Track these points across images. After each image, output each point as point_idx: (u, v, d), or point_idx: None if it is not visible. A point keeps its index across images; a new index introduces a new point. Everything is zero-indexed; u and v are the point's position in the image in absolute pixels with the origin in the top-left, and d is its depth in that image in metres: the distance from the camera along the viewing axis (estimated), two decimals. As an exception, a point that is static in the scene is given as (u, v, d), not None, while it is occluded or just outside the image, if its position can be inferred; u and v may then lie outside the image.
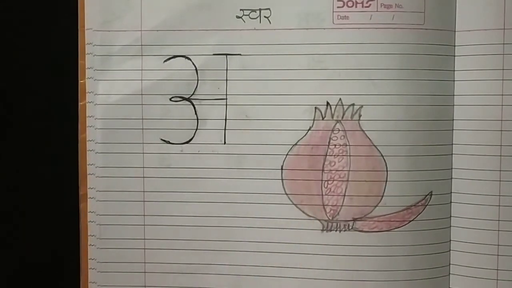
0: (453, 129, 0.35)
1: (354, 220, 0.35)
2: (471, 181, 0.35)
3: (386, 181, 0.35)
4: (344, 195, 0.35)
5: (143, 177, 0.36)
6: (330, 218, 0.35)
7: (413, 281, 0.35)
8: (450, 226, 0.35)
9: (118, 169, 0.36)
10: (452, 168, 0.35)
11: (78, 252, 0.37)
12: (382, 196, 0.35)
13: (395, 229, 0.35)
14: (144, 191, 0.36)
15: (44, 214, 0.38)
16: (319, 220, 0.35)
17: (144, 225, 0.36)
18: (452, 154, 0.35)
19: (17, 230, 0.38)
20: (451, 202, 0.35)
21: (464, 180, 0.35)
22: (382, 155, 0.35)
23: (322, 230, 0.35)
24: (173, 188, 0.36)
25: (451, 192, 0.35)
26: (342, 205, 0.35)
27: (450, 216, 0.35)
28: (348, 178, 0.35)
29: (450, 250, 0.35)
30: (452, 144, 0.35)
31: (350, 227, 0.35)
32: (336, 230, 0.35)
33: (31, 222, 0.38)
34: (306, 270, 0.35)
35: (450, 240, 0.36)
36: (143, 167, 0.36)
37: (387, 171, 0.35)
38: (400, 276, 0.35)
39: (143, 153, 0.36)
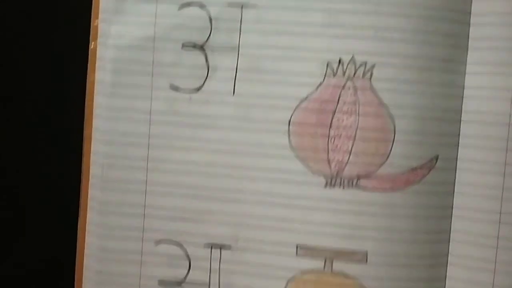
0: (463, 96, 0.35)
1: (359, 177, 0.35)
2: (477, 149, 0.35)
3: (393, 141, 0.35)
4: (350, 152, 0.35)
5: (150, 122, 0.36)
6: (335, 174, 0.35)
7: (414, 244, 0.35)
8: (454, 192, 0.35)
9: (125, 112, 0.36)
10: (459, 135, 0.35)
11: (78, 202, 0.36)
12: (388, 155, 0.35)
13: (399, 190, 0.35)
14: (149, 136, 0.36)
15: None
16: (323, 175, 0.35)
17: (146, 169, 0.36)
18: (460, 120, 0.35)
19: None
20: (456, 168, 0.35)
21: (470, 148, 0.35)
22: (391, 115, 0.35)
23: (326, 185, 0.35)
24: (178, 135, 0.36)
25: (456, 159, 0.35)
26: (347, 162, 0.35)
27: (454, 182, 0.35)
28: (355, 136, 0.35)
29: (452, 216, 0.35)
30: (461, 110, 0.35)
31: (354, 184, 0.35)
32: (339, 186, 0.35)
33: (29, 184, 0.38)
34: (307, 225, 0.35)
35: (453, 206, 0.35)
36: (150, 112, 0.36)
37: (395, 131, 0.35)
38: (400, 237, 0.35)
39: (151, 98, 0.36)
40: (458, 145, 0.35)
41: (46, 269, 0.38)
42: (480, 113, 0.35)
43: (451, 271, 0.35)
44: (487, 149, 0.35)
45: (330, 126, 0.35)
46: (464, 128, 0.35)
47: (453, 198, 0.35)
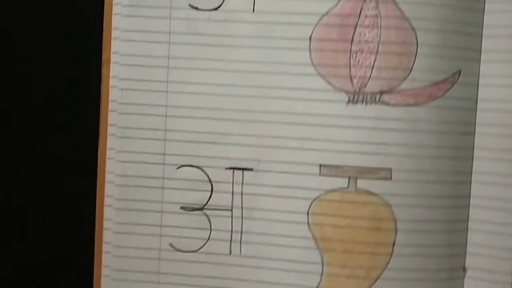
0: (484, 11, 0.35)
1: (381, 93, 0.34)
2: (500, 64, 0.35)
3: (416, 55, 0.34)
4: (373, 67, 0.34)
5: (169, 42, 0.36)
6: (357, 90, 0.35)
7: (437, 160, 0.35)
8: (476, 108, 0.35)
9: (144, 33, 0.36)
10: (481, 50, 0.35)
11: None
12: (411, 70, 0.34)
13: (422, 105, 0.34)
14: (169, 57, 0.36)
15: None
16: (345, 91, 0.35)
17: (167, 91, 0.36)
18: (482, 36, 0.35)
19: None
20: (478, 84, 0.35)
21: (492, 63, 0.35)
22: (413, 28, 0.34)
23: (348, 102, 0.35)
24: (198, 55, 0.35)
25: (479, 74, 0.35)
26: (369, 77, 0.34)
27: (477, 99, 0.35)
28: (378, 50, 0.34)
29: (475, 133, 0.35)
30: (483, 26, 0.35)
31: (377, 100, 0.35)
32: (362, 103, 0.35)
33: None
34: (329, 143, 0.35)
35: (475, 123, 0.35)
36: (169, 32, 0.36)
37: (417, 44, 0.34)
38: (424, 152, 0.35)
39: (170, 17, 0.35)
40: (480, 61, 0.35)
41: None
42: (502, 27, 0.35)
43: (475, 188, 0.35)
44: (510, 62, 0.34)
45: (352, 41, 0.35)
46: (485, 43, 0.35)
47: (475, 114, 0.35)
